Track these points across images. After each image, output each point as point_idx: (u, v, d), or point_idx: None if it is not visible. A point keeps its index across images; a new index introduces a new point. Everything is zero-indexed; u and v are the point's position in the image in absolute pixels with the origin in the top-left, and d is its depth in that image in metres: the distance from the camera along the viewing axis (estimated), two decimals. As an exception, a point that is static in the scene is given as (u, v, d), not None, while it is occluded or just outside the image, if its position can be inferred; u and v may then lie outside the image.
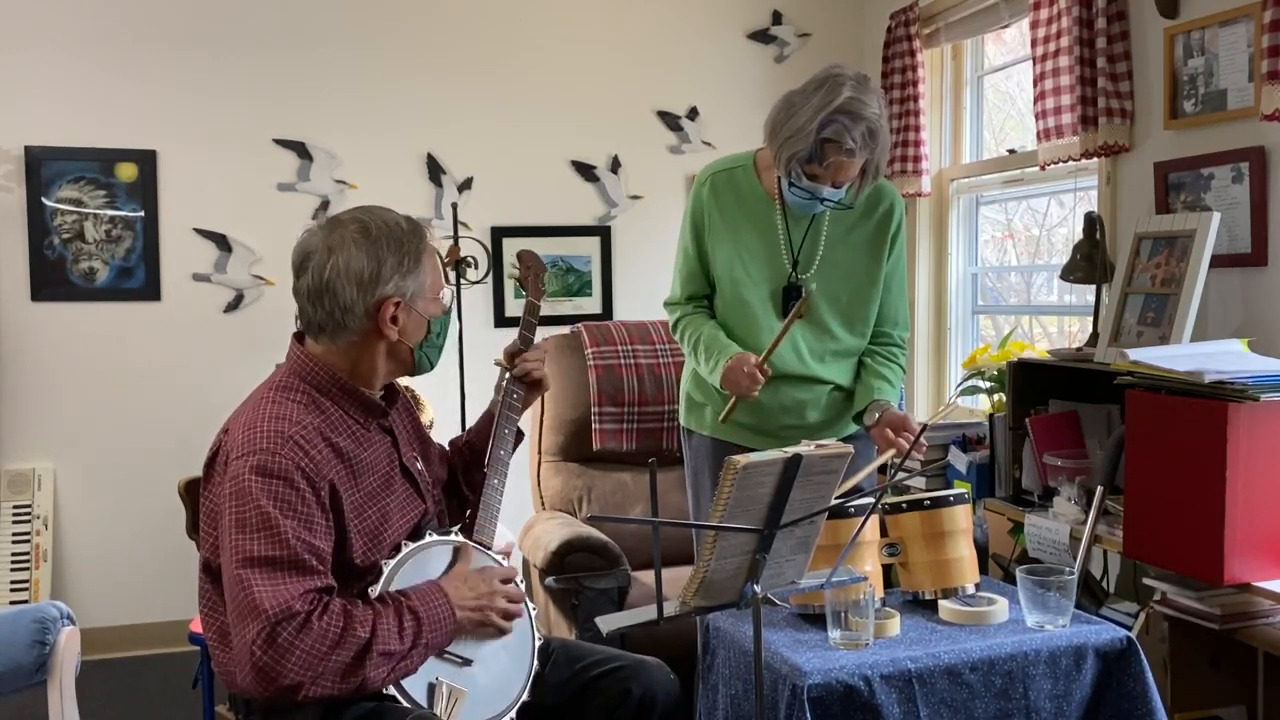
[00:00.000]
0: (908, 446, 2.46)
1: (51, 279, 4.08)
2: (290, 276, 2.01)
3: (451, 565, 2.00)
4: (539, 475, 3.69)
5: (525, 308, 2.32)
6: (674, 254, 2.73)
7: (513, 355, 2.26)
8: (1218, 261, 2.78)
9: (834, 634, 1.99)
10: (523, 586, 2.09)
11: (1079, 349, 3.05)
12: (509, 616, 1.99)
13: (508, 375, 2.26)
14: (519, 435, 2.27)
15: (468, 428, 2.38)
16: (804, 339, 2.59)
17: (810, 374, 2.60)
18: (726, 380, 2.47)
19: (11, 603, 3.86)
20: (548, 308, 4.02)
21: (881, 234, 2.61)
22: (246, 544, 1.77)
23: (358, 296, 1.91)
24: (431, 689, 1.89)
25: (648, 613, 1.79)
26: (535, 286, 2.36)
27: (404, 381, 2.27)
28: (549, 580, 3.16)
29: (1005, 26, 3.92)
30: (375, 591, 1.89)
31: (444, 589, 1.92)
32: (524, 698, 2.01)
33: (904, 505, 2.21)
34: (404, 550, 1.96)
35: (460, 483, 2.29)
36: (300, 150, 4.30)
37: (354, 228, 1.93)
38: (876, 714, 1.88)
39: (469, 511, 2.19)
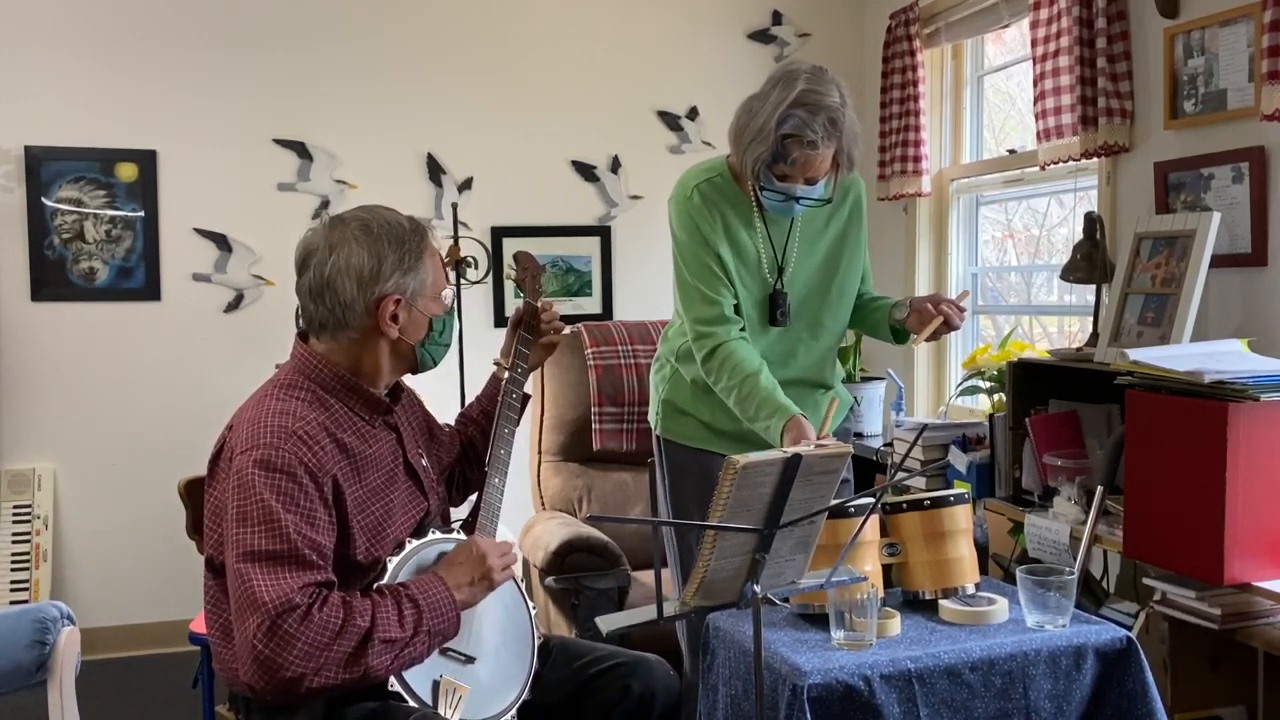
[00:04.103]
0: (948, 311, 2.43)
1: (51, 279, 4.08)
2: (291, 276, 2.02)
3: None
4: (539, 475, 3.69)
5: (523, 309, 2.32)
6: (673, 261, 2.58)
7: (518, 322, 2.29)
8: (1218, 261, 2.78)
9: (837, 634, 1.98)
10: (523, 584, 2.10)
11: (1079, 349, 3.05)
12: (506, 567, 2.00)
13: (506, 374, 2.27)
14: (525, 398, 2.29)
15: (474, 398, 2.41)
16: (801, 341, 2.58)
17: (806, 378, 2.60)
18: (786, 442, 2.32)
19: (11, 603, 3.86)
20: (548, 308, 4.04)
21: (855, 220, 2.61)
22: (248, 538, 1.78)
23: (358, 293, 1.92)
24: (436, 686, 1.89)
25: (648, 612, 1.79)
26: (533, 289, 2.36)
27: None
28: (549, 580, 3.16)
29: (1005, 26, 3.92)
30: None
31: (439, 574, 1.93)
32: (524, 696, 2.02)
33: (904, 505, 2.20)
34: (409, 547, 1.96)
35: (478, 451, 2.31)
36: (300, 150, 4.30)
37: (355, 225, 1.94)
38: (876, 714, 1.88)
39: (470, 511, 2.19)
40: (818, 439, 2.23)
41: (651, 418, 2.73)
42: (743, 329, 2.49)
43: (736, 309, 2.50)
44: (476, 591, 1.94)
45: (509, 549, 2.03)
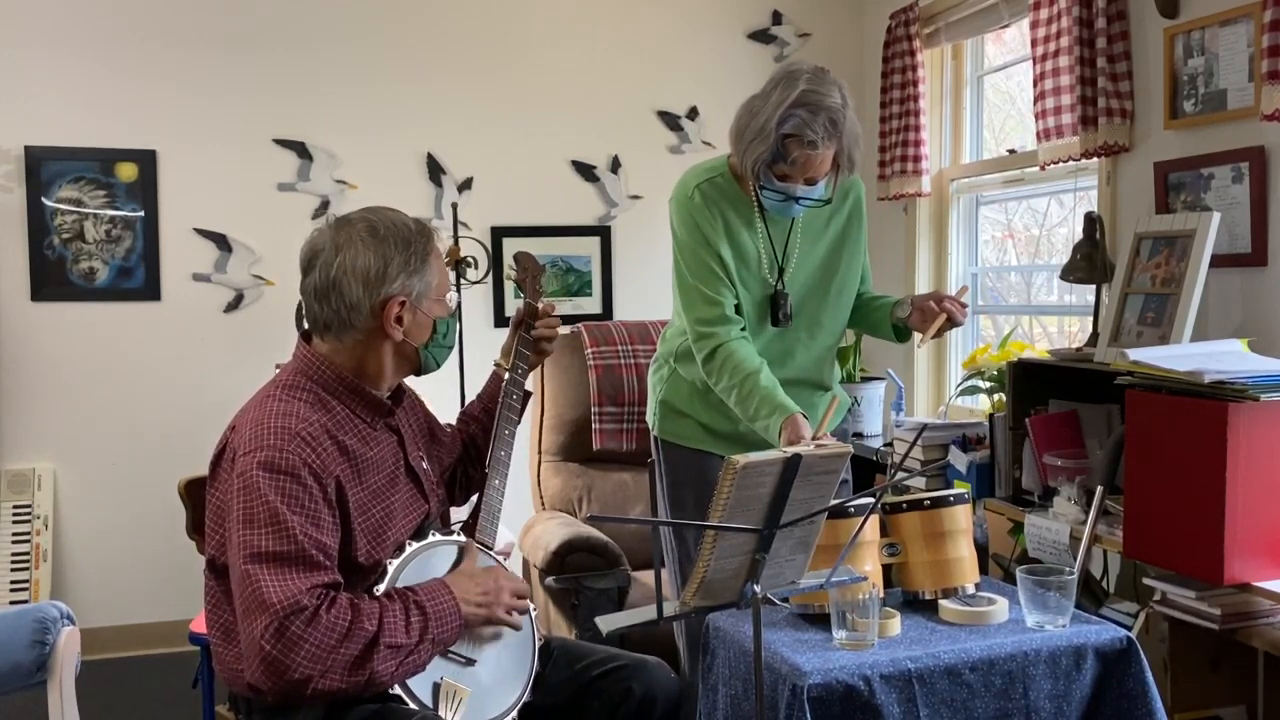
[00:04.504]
0: (951, 308, 2.44)
1: (51, 279, 4.08)
2: (292, 276, 2.02)
3: (456, 565, 2.01)
4: (539, 475, 3.69)
5: (524, 310, 2.32)
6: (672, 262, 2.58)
7: (519, 323, 2.29)
8: (1218, 261, 2.78)
9: (839, 634, 1.99)
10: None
11: (1079, 349, 3.05)
12: (516, 613, 2.00)
13: (506, 375, 2.27)
14: (526, 396, 2.29)
15: (474, 397, 2.41)
16: (800, 342, 2.58)
17: (804, 378, 2.60)
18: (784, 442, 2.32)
19: (11, 603, 3.86)
20: (548, 308, 4.03)
21: (855, 221, 2.62)
22: (254, 539, 1.78)
23: (363, 295, 1.92)
24: (436, 688, 1.89)
25: (648, 613, 1.79)
26: (533, 289, 2.36)
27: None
28: (549, 580, 3.16)
29: (1005, 26, 3.92)
30: (381, 589, 1.89)
31: (450, 585, 1.92)
32: (525, 698, 2.02)
33: (904, 505, 2.20)
34: (408, 549, 1.96)
35: (479, 449, 2.31)
36: (300, 150, 4.30)
37: (362, 227, 1.95)
38: (876, 714, 1.88)
39: (471, 512, 2.19)
40: (814, 438, 2.23)
41: (649, 418, 2.73)
42: (743, 329, 2.49)
43: (737, 309, 2.50)
44: (477, 614, 1.94)
45: (526, 592, 2.03)
